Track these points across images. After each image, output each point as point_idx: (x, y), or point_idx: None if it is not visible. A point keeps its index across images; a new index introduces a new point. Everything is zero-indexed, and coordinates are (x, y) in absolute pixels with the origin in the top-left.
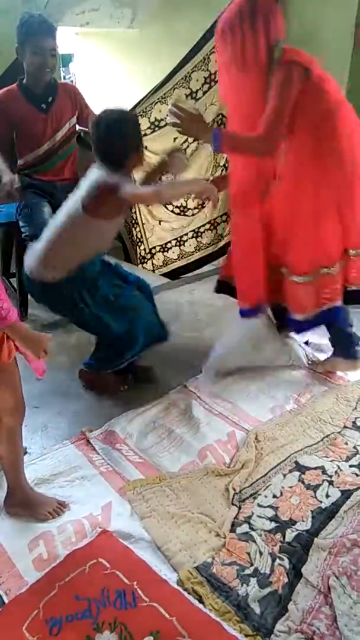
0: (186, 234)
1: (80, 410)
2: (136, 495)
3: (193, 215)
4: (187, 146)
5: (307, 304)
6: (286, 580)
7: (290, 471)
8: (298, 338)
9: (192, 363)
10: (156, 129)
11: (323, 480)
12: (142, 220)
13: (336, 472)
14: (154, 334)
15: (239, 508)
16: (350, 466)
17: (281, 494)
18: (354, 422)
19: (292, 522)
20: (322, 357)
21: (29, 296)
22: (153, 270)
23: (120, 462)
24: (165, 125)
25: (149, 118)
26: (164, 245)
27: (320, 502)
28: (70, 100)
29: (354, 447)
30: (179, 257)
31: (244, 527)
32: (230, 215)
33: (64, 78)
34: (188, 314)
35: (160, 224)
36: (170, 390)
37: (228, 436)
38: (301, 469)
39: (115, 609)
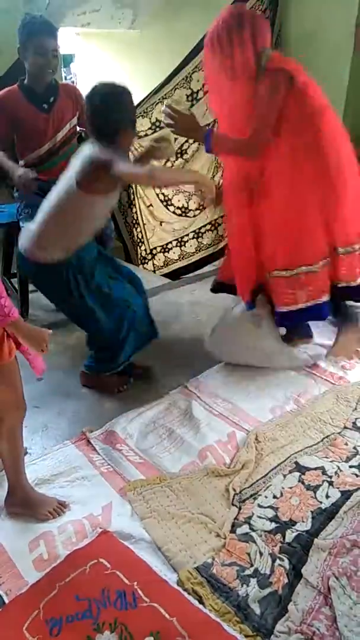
0: (187, 235)
1: (80, 411)
2: (136, 496)
3: (194, 216)
4: (189, 146)
5: (289, 297)
6: (286, 580)
7: (290, 472)
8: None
9: (192, 363)
10: (157, 129)
11: (323, 481)
12: (143, 221)
13: (336, 472)
14: (144, 331)
15: (239, 508)
16: (350, 467)
17: (281, 494)
18: (354, 423)
19: (292, 523)
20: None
21: (29, 297)
22: (154, 271)
23: (121, 463)
24: None
25: (150, 118)
26: (164, 246)
27: (320, 502)
28: (72, 101)
29: (354, 448)
30: (179, 258)
31: (244, 528)
32: (225, 216)
33: (65, 78)
34: (189, 315)
35: (161, 225)
36: (171, 390)
37: (228, 437)
38: (301, 469)
39: (115, 609)
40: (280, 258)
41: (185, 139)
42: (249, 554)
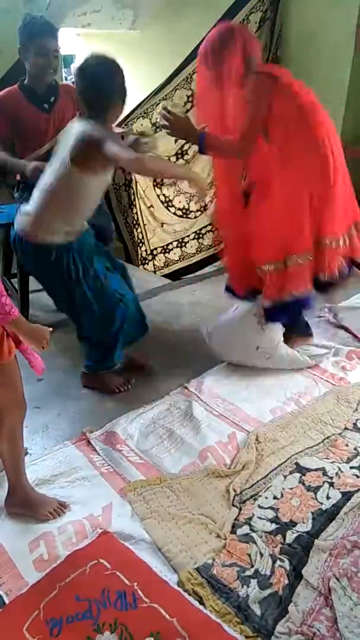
0: (188, 236)
1: (80, 411)
2: (137, 496)
3: (195, 217)
4: (189, 147)
5: (274, 291)
6: (287, 581)
7: (290, 472)
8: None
9: (192, 364)
10: (158, 129)
11: (324, 482)
12: (143, 222)
13: (337, 473)
14: (135, 326)
15: (240, 509)
16: (351, 468)
17: (282, 495)
18: (354, 424)
19: (292, 524)
20: (322, 358)
21: (30, 297)
22: (154, 271)
23: (121, 463)
24: None
25: (150, 119)
26: (165, 247)
27: (321, 503)
28: (72, 101)
29: (355, 449)
30: (180, 259)
31: (245, 529)
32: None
33: (66, 79)
34: (189, 315)
35: (162, 226)
36: (171, 391)
37: (229, 437)
38: (302, 470)
39: (115, 609)
40: (271, 250)
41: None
42: (249, 555)
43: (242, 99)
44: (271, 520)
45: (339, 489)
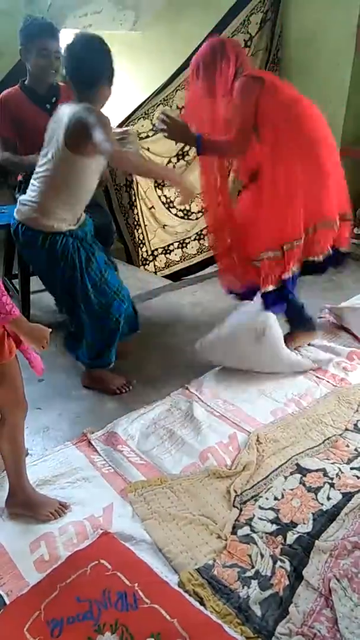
0: (189, 237)
1: (81, 412)
2: (137, 497)
3: (197, 219)
4: (190, 149)
5: (272, 278)
6: (287, 582)
7: (291, 473)
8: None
9: (193, 365)
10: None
11: (324, 483)
12: (144, 222)
13: (337, 474)
14: (129, 322)
15: (240, 510)
16: (352, 469)
17: (282, 496)
18: (355, 425)
19: (293, 525)
20: (324, 360)
21: (30, 298)
22: (155, 272)
23: (122, 464)
24: None
25: (151, 120)
26: (166, 247)
27: (321, 504)
28: None
29: (355, 450)
30: (181, 259)
31: (245, 529)
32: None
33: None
34: (190, 316)
35: (164, 228)
36: (172, 391)
37: (229, 438)
38: (302, 471)
39: (116, 610)
40: (269, 240)
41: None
42: (250, 556)
43: (231, 104)
44: (272, 521)
45: (339, 490)
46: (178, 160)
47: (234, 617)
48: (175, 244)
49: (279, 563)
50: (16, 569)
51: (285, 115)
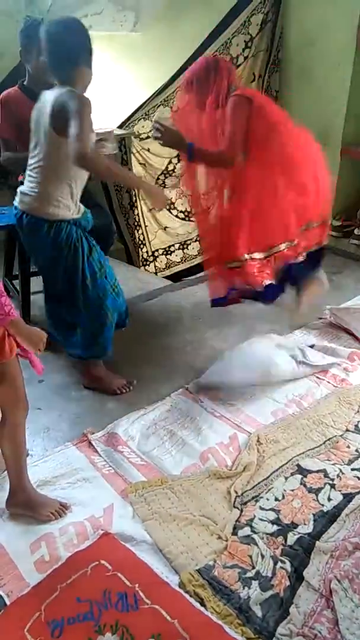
0: (190, 238)
1: (81, 412)
2: (138, 498)
3: None
4: None
5: (264, 275)
6: (288, 583)
7: (292, 474)
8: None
9: (194, 365)
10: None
11: (325, 484)
12: (144, 223)
13: (338, 475)
14: (120, 315)
15: (241, 511)
16: (352, 469)
17: (283, 497)
18: (356, 426)
19: (293, 525)
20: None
21: (31, 298)
22: (155, 273)
23: (122, 464)
24: None
25: (151, 121)
26: (167, 248)
27: (322, 505)
28: None
29: (356, 450)
30: (182, 260)
31: (246, 530)
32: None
33: None
34: (190, 316)
35: (165, 229)
36: (172, 392)
37: (230, 439)
38: (303, 472)
39: (117, 611)
40: (255, 243)
41: None
42: (250, 557)
43: (222, 118)
44: (272, 522)
45: (340, 491)
46: (179, 161)
47: (234, 617)
48: (176, 245)
49: (279, 564)
50: (16, 570)
51: (270, 135)
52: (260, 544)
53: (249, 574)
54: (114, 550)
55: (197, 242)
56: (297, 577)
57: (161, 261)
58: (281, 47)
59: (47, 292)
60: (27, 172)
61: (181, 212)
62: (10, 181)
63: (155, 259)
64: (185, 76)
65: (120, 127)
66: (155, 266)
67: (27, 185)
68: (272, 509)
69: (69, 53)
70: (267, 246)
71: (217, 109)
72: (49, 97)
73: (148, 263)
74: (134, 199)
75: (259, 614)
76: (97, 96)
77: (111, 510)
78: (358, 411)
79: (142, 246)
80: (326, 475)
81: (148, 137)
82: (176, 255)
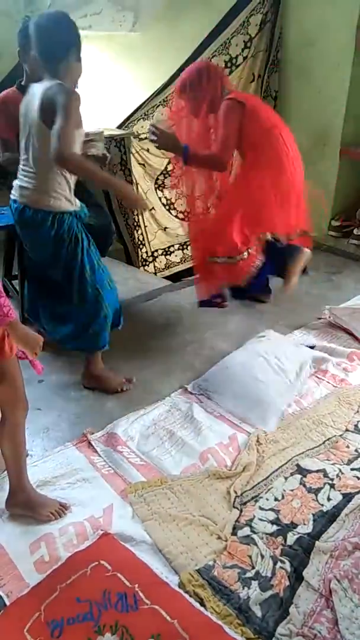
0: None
1: (81, 412)
2: (137, 498)
3: None
4: None
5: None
6: (287, 583)
7: (291, 474)
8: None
9: (193, 365)
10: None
11: (324, 484)
12: (144, 223)
13: (337, 475)
14: (115, 312)
15: (241, 511)
16: (352, 469)
17: (282, 497)
18: (355, 425)
19: (293, 525)
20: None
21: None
22: (155, 273)
23: (122, 465)
24: None
25: (151, 121)
26: (166, 249)
27: (322, 505)
28: None
29: (356, 450)
30: (181, 261)
31: (246, 530)
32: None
33: None
34: (190, 317)
35: (165, 230)
36: (172, 392)
37: (229, 439)
38: (302, 472)
39: (116, 611)
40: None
41: None
42: (250, 557)
43: (215, 121)
44: (272, 522)
45: (339, 491)
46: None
47: (234, 617)
48: (176, 246)
49: (279, 564)
50: (16, 570)
51: (262, 139)
52: (259, 544)
53: (248, 574)
54: (113, 551)
55: None
56: (296, 577)
57: (160, 261)
58: (280, 47)
59: (38, 283)
60: (21, 167)
61: (181, 212)
62: (10, 181)
63: (154, 260)
64: (177, 83)
65: (119, 127)
66: (154, 266)
67: (24, 178)
68: (271, 509)
69: (57, 46)
70: (258, 235)
71: (210, 113)
72: (37, 90)
73: (147, 263)
74: None
75: (259, 614)
76: (97, 96)
77: (111, 510)
78: (358, 411)
79: (141, 246)
80: (326, 475)
81: (147, 137)
82: (176, 256)
